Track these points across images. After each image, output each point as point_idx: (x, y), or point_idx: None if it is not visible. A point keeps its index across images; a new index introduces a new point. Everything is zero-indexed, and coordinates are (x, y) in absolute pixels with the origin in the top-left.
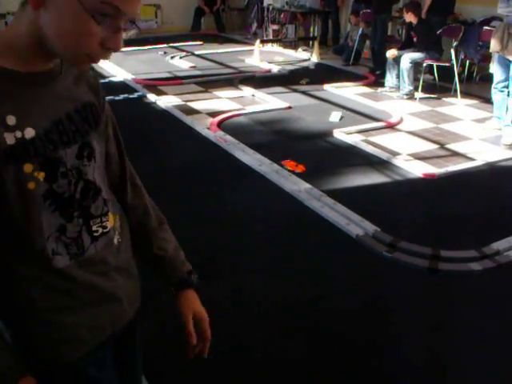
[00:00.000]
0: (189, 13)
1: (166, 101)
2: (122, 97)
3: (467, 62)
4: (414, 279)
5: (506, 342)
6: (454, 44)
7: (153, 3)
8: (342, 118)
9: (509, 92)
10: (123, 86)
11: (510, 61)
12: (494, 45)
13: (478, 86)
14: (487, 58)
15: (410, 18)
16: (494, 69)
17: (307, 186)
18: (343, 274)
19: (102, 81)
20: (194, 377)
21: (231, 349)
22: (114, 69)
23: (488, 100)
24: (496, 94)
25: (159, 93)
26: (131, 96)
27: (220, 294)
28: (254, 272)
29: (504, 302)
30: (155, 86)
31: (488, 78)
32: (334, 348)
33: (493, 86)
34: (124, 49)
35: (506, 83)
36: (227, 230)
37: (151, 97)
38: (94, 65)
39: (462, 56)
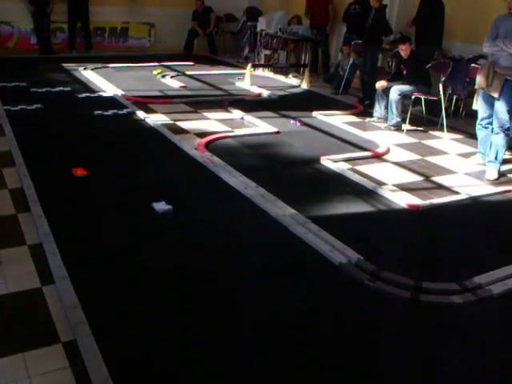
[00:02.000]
0: (182, 33)
1: (154, 119)
2: (111, 112)
3: (454, 97)
4: (396, 309)
5: (486, 374)
6: (443, 79)
7: (147, 22)
8: None
9: (493, 129)
10: (113, 102)
11: (494, 98)
12: (480, 81)
13: (463, 121)
14: (474, 95)
15: (407, 50)
16: (479, 105)
17: (292, 211)
18: (325, 300)
19: (92, 95)
20: None
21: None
22: (104, 84)
23: (473, 135)
24: (480, 131)
25: (148, 110)
26: (120, 112)
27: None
28: (237, 296)
29: (484, 335)
30: (145, 103)
31: (474, 114)
32: (316, 376)
33: (477, 122)
34: (115, 65)
35: (490, 120)
36: (210, 253)
37: (140, 114)
38: (84, 80)
39: (449, 91)
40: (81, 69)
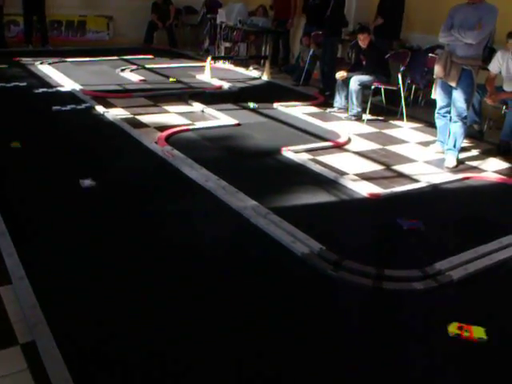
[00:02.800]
0: (141, 26)
1: (114, 113)
2: (69, 107)
3: (413, 86)
4: (359, 297)
5: (446, 358)
6: (401, 69)
7: (105, 15)
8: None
9: (451, 117)
10: (71, 97)
11: (451, 87)
12: (438, 71)
13: (423, 110)
14: (432, 84)
15: (365, 40)
16: (437, 95)
17: (254, 203)
18: (288, 291)
19: (49, 90)
20: None
21: None
22: (61, 79)
23: (432, 124)
24: (439, 119)
25: (108, 105)
26: (79, 107)
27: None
28: (201, 291)
29: (445, 320)
30: (104, 97)
31: (432, 103)
32: (276, 368)
33: (436, 111)
34: (73, 59)
35: (449, 109)
36: (170, 246)
37: (99, 109)
38: (41, 75)
39: (408, 81)
40: (37, 63)
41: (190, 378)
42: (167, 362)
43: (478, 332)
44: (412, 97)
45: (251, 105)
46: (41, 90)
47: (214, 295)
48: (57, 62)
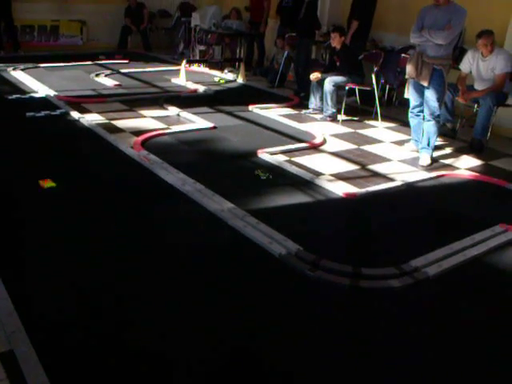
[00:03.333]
0: (115, 30)
1: (89, 119)
2: (43, 113)
3: (387, 86)
4: (336, 297)
5: (426, 354)
6: (375, 69)
7: (78, 19)
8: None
9: (424, 116)
10: (45, 103)
11: (423, 86)
12: (410, 71)
13: (397, 110)
14: (405, 84)
15: (336, 41)
16: (410, 94)
17: (230, 205)
18: (266, 292)
19: (23, 96)
20: None
21: None
22: (35, 85)
23: (406, 123)
24: (413, 119)
25: (83, 110)
26: (53, 113)
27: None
28: (176, 296)
29: (421, 316)
30: (79, 103)
31: (406, 103)
32: (253, 369)
33: (409, 110)
34: (47, 64)
35: (422, 108)
36: (147, 252)
37: (74, 114)
38: (14, 81)
39: (382, 81)
40: (10, 69)
41: None
42: (155, 366)
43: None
44: (386, 97)
45: (263, 176)
46: (14, 97)
47: (188, 297)
48: (30, 68)
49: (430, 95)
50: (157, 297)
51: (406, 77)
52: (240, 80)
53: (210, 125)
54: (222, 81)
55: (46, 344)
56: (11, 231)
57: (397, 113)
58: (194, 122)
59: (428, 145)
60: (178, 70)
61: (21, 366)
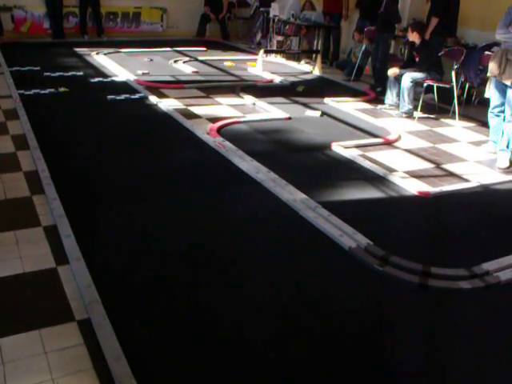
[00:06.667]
0: (194, 18)
1: (167, 104)
2: (123, 96)
3: (467, 84)
4: (404, 294)
5: (491, 359)
6: (455, 66)
7: (159, 6)
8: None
9: (504, 117)
10: (125, 86)
11: (506, 86)
12: (492, 69)
13: (476, 110)
14: (486, 82)
15: (414, 37)
16: (491, 93)
17: (303, 196)
18: (334, 284)
19: (104, 80)
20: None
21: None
22: (116, 69)
23: (485, 124)
24: (492, 119)
25: (161, 95)
26: (133, 96)
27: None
28: (251, 278)
29: (490, 321)
30: (157, 88)
31: (486, 102)
32: (328, 353)
33: (489, 110)
34: (127, 50)
35: (502, 108)
36: (224, 234)
37: (153, 99)
38: (97, 65)
39: (462, 79)
40: (93, 53)
41: None
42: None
43: None
44: (465, 95)
45: (300, 88)
46: (96, 80)
47: (255, 281)
48: (112, 53)
49: None
50: (234, 276)
51: (488, 75)
52: (316, 72)
53: (285, 115)
54: (230, 64)
55: (121, 315)
56: (93, 206)
57: (476, 112)
58: (269, 111)
59: (507, 146)
60: (255, 59)
61: (96, 333)
